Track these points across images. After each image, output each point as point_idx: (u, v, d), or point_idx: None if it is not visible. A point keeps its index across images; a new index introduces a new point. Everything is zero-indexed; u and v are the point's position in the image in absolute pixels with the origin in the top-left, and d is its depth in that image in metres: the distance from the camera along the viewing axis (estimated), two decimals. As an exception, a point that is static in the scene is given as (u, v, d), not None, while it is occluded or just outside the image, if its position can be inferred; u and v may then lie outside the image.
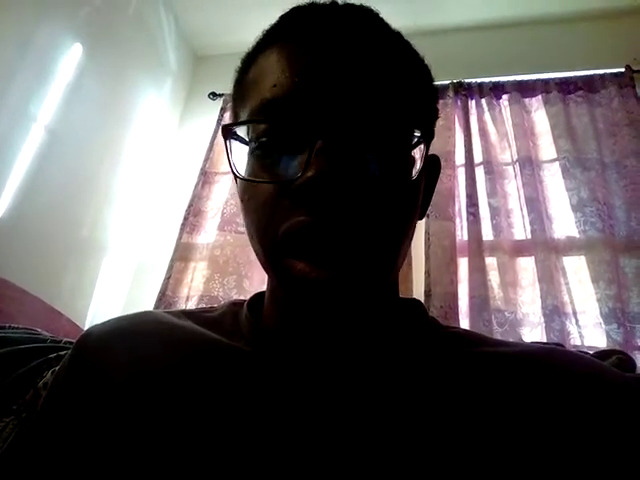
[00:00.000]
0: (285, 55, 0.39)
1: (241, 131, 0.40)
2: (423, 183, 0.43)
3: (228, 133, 0.40)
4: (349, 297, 0.36)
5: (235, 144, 0.40)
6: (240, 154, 0.41)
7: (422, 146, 0.38)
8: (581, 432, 0.33)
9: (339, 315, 0.39)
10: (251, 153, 0.40)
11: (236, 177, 0.40)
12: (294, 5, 0.43)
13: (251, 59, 0.44)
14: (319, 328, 0.41)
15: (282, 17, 0.43)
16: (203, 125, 2.11)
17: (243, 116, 0.42)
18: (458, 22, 2.09)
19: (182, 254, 1.77)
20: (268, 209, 0.37)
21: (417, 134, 0.38)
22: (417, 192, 0.40)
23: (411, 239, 0.42)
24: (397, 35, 0.44)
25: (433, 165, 0.48)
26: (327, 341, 0.41)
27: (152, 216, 2.02)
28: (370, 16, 0.43)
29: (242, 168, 0.41)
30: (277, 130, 0.38)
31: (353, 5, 0.43)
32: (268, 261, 0.38)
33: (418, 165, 0.37)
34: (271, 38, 0.42)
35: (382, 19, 0.44)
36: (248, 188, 0.40)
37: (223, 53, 2.22)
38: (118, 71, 1.84)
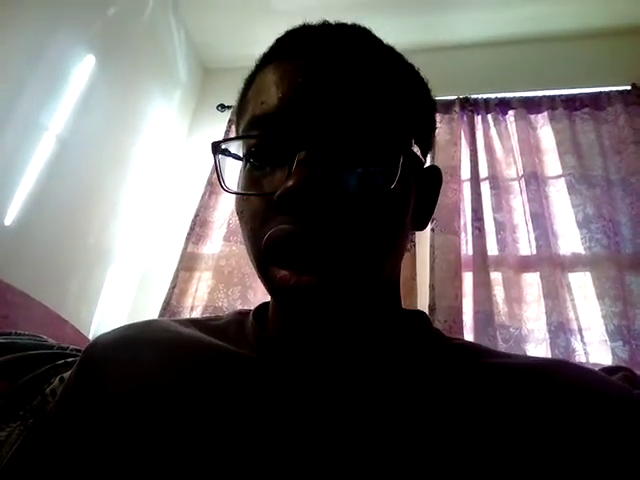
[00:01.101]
0: (275, 73, 0.41)
1: (235, 147, 0.42)
2: (412, 192, 0.42)
3: (217, 149, 0.41)
4: (329, 302, 0.37)
5: (230, 160, 0.42)
6: (236, 169, 0.43)
7: (403, 155, 0.38)
8: (586, 446, 0.33)
9: (322, 320, 0.40)
10: (243, 167, 0.42)
11: (225, 191, 0.41)
12: (299, 21, 0.45)
13: (250, 79, 0.46)
14: (312, 334, 0.42)
15: (278, 38, 0.45)
16: (211, 136, 2.11)
17: (239, 132, 0.44)
18: (465, 38, 2.11)
19: (187, 264, 1.78)
20: (257, 220, 0.39)
21: (402, 144, 0.39)
22: (400, 200, 0.40)
23: (400, 246, 0.42)
24: (388, 50, 0.45)
25: (433, 176, 0.48)
26: (326, 348, 0.42)
27: (158, 225, 2.03)
28: (362, 34, 0.44)
29: (235, 182, 0.43)
30: (265, 144, 0.40)
31: (345, 25, 0.44)
32: (258, 270, 0.40)
33: (398, 174, 0.37)
34: (266, 59, 0.44)
35: (374, 36, 0.45)
36: (241, 202, 0.41)
37: (232, 66, 2.24)
38: (129, 82, 1.87)
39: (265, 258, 0.38)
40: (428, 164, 0.49)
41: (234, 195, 0.43)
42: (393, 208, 0.39)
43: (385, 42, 0.46)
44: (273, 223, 0.37)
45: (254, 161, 0.40)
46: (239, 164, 0.43)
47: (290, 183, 0.35)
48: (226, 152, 0.42)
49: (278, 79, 0.40)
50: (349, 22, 0.45)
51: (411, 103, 0.43)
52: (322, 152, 0.36)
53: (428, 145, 0.47)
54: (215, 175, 1.94)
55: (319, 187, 0.35)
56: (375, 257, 0.38)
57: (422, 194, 0.46)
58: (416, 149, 0.42)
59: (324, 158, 0.36)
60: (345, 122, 0.37)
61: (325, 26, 0.44)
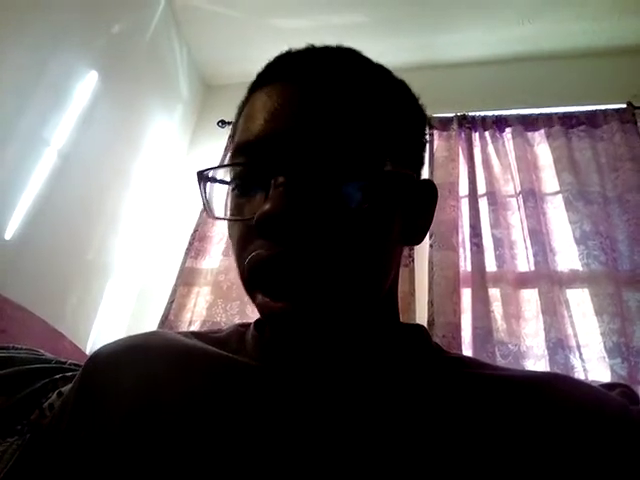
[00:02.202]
0: (261, 99, 0.42)
1: (222, 173, 0.44)
2: (395, 209, 0.42)
3: (202, 178, 0.43)
4: (303, 327, 0.38)
5: (217, 186, 0.43)
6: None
7: (379, 175, 0.39)
8: (580, 459, 0.33)
9: (300, 343, 0.42)
10: (230, 193, 0.43)
11: (211, 217, 0.43)
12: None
13: (241, 107, 0.47)
14: (299, 353, 0.43)
15: (266, 64, 0.46)
16: (211, 152, 2.14)
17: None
18: (463, 57, 2.14)
19: (186, 279, 1.78)
20: (241, 245, 0.40)
21: (377, 164, 0.39)
22: (378, 220, 0.40)
23: (386, 265, 0.42)
24: (372, 69, 0.46)
25: (426, 189, 0.48)
26: (323, 362, 0.42)
27: (157, 240, 2.04)
28: (347, 56, 0.45)
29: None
30: (248, 170, 0.41)
31: (329, 48, 0.45)
32: (247, 294, 0.41)
33: (371, 194, 0.38)
34: (255, 84, 0.45)
35: (358, 55, 0.46)
36: (230, 227, 0.42)
37: (233, 83, 2.27)
38: (131, 98, 1.89)
39: (247, 282, 0.39)
40: (426, 178, 0.49)
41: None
42: (370, 228, 0.39)
43: (374, 60, 0.47)
44: (253, 248, 0.38)
45: (238, 187, 0.41)
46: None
47: (266, 208, 0.35)
48: (213, 179, 0.43)
49: (261, 106, 0.41)
50: (336, 43, 0.45)
51: (395, 122, 0.43)
52: (299, 176, 0.37)
53: (419, 160, 0.48)
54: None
55: (294, 211, 0.35)
56: (354, 278, 0.38)
57: (414, 209, 0.45)
58: (400, 166, 0.42)
59: (301, 182, 0.37)
60: (321, 146, 0.38)
61: (309, 51, 0.45)
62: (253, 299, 0.39)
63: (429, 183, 0.49)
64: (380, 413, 0.37)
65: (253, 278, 0.38)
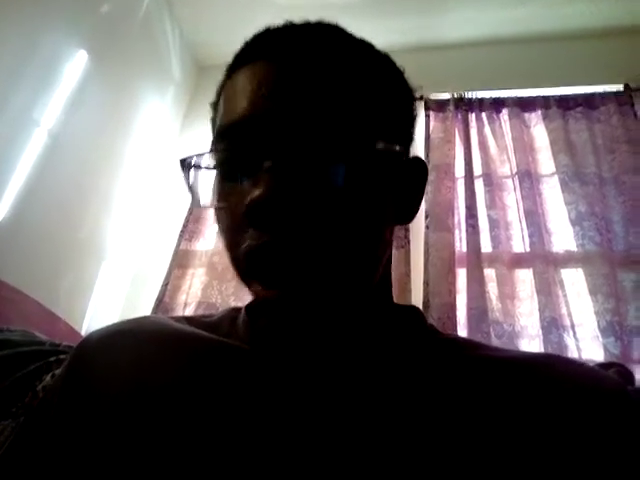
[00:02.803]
0: (239, 81, 0.41)
1: (207, 159, 0.42)
2: (387, 188, 0.41)
3: (185, 165, 0.41)
4: (298, 313, 0.38)
5: (203, 172, 0.42)
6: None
7: (366, 153, 0.38)
8: (578, 439, 0.33)
9: (295, 328, 0.41)
10: (215, 179, 0.41)
11: (195, 206, 0.41)
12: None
13: (220, 89, 0.45)
14: (293, 337, 0.42)
15: (245, 42, 0.44)
16: (203, 133, 2.11)
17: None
18: (459, 37, 2.11)
19: (180, 260, 1.77)
20: (230, 232, 0.39)
21: (365, 142, 0.38)
22: (368, 200, 0.39)
23: (378, 245, 0.41)
24: (355, 45, 0.44)
25: (417, 167, 0.47)
26: (316, 344, 0.42)
27: (151, 222, 2.02)
28: (328, 31, 0.44)
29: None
30: (232, 155, 0.39)
31: (309, 24, 0.43)
32: (240, 280, 0.41)
33: (358, 174, 0.37)
34: (234, 64, 0.44)
35: (340, 32, 0.44)
36: (216, 214, 0.42)
37: (226, 64, 2.23)
38: (122, 78, 1.85)
39: (240, 269, 0.39)
40: (416, 155, 0.48)
41: None
42: (361, 209, 0.38)
43: (356, 36, 0.45)
44: (244, 236, 0.37)
45: (223, 172, 0.40)
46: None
47: (255, 194, 0.34)
48: (198, 166, 0.42)
49: (241, 87, 0.40)
50: (316, 19, 0.44)
51: (380, 97, 0.42)
52: (286, 160, 0.36)
53: (408, 136, 0.47)
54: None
55: (284, 197, 0.35)
56: (347, 261, 0.38)
57: (404, 187, 0.45)
58: (388, 144, 0.40)
59: (289, 166, 0.36)
60: (307, 127, 0.37)
61: (288, 27, 0.43)
62: (248, 287, 0.39)
63: (419, 160, 0.48)
64: (375, 397, 0.37)
65: (249, 268, 0.37)
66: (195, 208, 0.40)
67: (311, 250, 0.36)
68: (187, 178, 0.41)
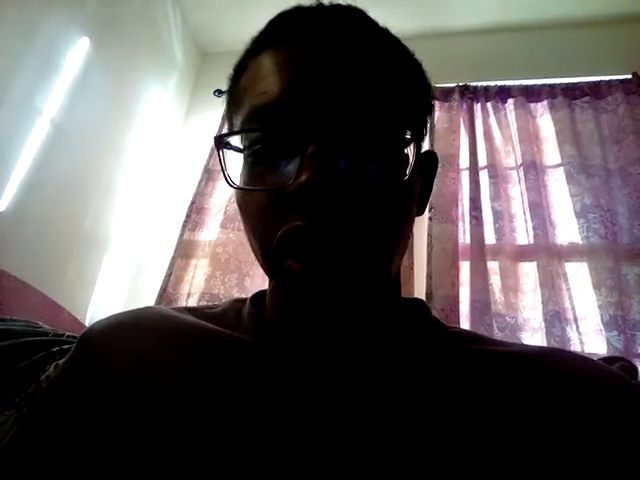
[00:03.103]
0: (274, 61, 0.40)
1: (234, 139, 0.41)
2: (418, 180, 0.42)
3: (221, 143, 0.40)
4: (345, 296, 0.36)
5: (229, 152, 0.41)
6: (235, 161, 0.41)
7: (414, 144, 0.38)
8: (581, 432, 0.33)
9: (337, 313, 0.40)
10: (245, 161, 0.40)
11: (231, 186, 0.40)
12: (299, 2, 0.44)
13: (242, 66, 0.44)
14: (320, 324, 0.42)
15: (270, 22, 0.43)
16: (208, 122, 2.11)
17: (236, 124, 0.42)
18: (465, 25, 2.08)
19: (184, 251, 1.77)
20: (265, 215, 0.38)
21: (409, 133, 0.38)
22: (411, 191, 0.40)
23: (409, 236, 0.42)
24: (386, 33, 0.44)
25: (430, 160, 0.48)
26: (328, 335, 0.41)
27: (154, 212, 2.02)
28: (358, 17, 0.43)
29: (237, 175, 0.41)
30: (270, 137, 0.38)
31: (340, 6, 0.43)
32: (267, 265, 0.39)
33: (411, 164, 0.37)
34: (260, 44, 0.42)
35: (370, 18, 0.44)
36: (245, 196, 0.40)
37: (229, 50, 2.20)
38: (124, 65, 1.84)
39: (278, 253, 0.37)
40: (428, 149, 0.48)
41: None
42: (404, 199, 0.38)
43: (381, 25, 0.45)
44: (284, 219, 0.36)
45: (257, 154, 0.39)
46: (237, 156, 0.42)
47: (302, 179, 0.34)
48: (228, 145, 0.41)
49: (276, 67, 0.39)
50: (343, 2, 0.43)
51: (411, 88, 0.42)
52: (332, 145, 0.35)
53: (426, 130, 0.47)
54: (212, 161, 1.93)
55: (332, 182, 0.34)
56: (386, 250, 0.38)
57: (423, 179, 0.45)
58: (417, 134, 0.41)
59: (334, 151, 0.35)
60: (352, 112, 0.36)
61: (320, 8, 0.42)
62: (282, 269, 0.37)
63: (432, 153, 0.48)
64: (380, 393, 0.36)
65: (287, 248, 0.36)
66: (233, 188, 0.39)
67: (356, 237, 0.35)
68: (223, 157, 0.40)
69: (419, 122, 0.42)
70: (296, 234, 0.35)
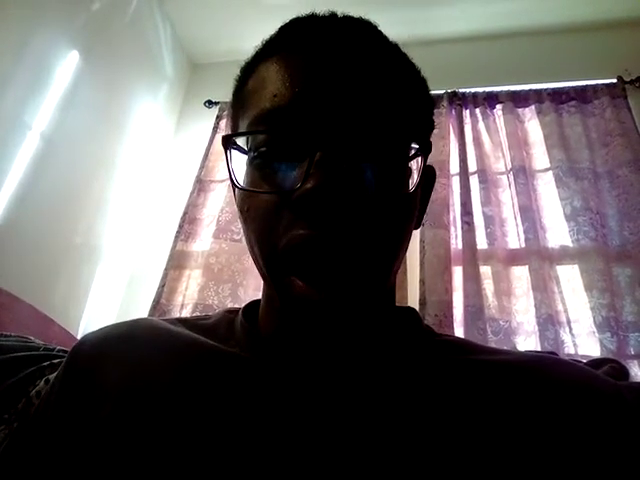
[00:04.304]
0: (285, 66, 0.40)
1: (240, 141, 0.40)
2: (419, 194, 0.43)
3: (228, 143, 0.40)
4: (346, 316, 0.36)
5: (234, 153, 0.40)
6: (238, 164, 0.41)
7: (419, 158, 0.38)
8: (572, 441, 0.33)
9: (336, 331, 0.40)
10: (250, 163, 0.40)
11: (236, 187, 0.39)
12: (291, 16, 0.44)
13: (250, 69, 0.44)
14: (316, 339, 0.41)
15: (282, 28, 0.43)
16: (199, 133, 2.11)
17: (242, 125, 0.42)
18: (453, 32, 2.11)
19: (176, 262, 1.76)
20: (268, 220, 0.37)
21: (415, 146, 0.38)
22: (414, 204, 0.40)
23: (407, 248, 0.42)
24: (395, 47, 0.45)
25: (428, 175, 0.48)
26: (323, 349, 0.41)
27: (146, 224, 2.01)
28: (369, 29, 0.43)
29: (241, 178, 0.41)
30: (277, 140, 0.38)
31: (352, 17, 0.43)
32: (268, 274, 0.39)
33: (415, 178, 0.37)
34: (271, 48, 0.42)
35: (380, 31, 0.44)
36: (248, 198, 0.39)
37: (219, 61, 2.23)
38: (114, 78, 1.84)
39: (281, 263, 0.36)
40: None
41: (232, 191, 0.41)
42: (407, 212, 0.39)
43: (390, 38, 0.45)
44: (288, 224, 0.36)
45: (263, 157, 0.38)
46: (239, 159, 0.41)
47: (308, 185, 0.34)
48: (235, 146, 0.40)
49: (287, 72, 0.39)
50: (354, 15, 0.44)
51: (418, 103, 0.43)
52: (339, 152, 0.35)
53: (429, 146, 0.47)
54: (203, 172, 1.93)
55: (338, 191, 0.34)
56: (387, 263, 0.38)
57: (422, 193, 0.46)
58: (423, 146, 0.41)
59: (341, 159, 0.35)
60: (362, 122, 0.36)
61: (333, 18, 0.43)
62: (282, 283, 0.37)
63: (430, 168, 0.49)
64: (373, 405, 0.36)
65: (292, 260, 0.36)
66: (238, 189, 0.39)
67: (359, 248, 0.35)
68: (230, 158, 0.39)
69: (424, 136, 0.43)
70: (300, 244, 0.35)
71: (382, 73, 0.39)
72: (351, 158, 0.36)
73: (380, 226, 0.36)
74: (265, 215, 0.37)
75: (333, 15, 0.43)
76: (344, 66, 0.38)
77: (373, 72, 0.39)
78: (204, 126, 2.08)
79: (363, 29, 0.43)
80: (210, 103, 2.17)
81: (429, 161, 0.47)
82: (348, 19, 0.43)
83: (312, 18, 0.43)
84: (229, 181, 0.40)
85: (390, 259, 0.38)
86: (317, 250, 0.34)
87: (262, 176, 0.38)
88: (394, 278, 0.43)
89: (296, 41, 0.41)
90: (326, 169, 0.34)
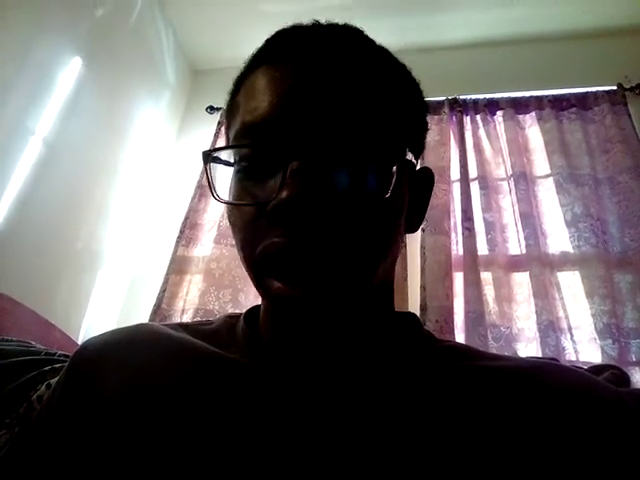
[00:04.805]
0: (265, 78, 0.40)
1: (226, 154, 0.42)
2: (406, 197, 0.42)
3: (208, 158, 0.41)
4: (324, 313, 0.37)
5: (220, 167, 0.41)
6: (227, 176, 0.42)
7: (400, 163, 0.38)
8: (572, 447, 0.33)
9: (317, 329, 0.40)
10: (234, 175, 0.41)
11: (217, 200, 0.40)
12: (288, 22, 0.44)
13: (239, 82, 0.45)
14: (304, 340, 0.42)
15: (267, 40, 0.44)
16: (200, 138, 2.12)
17: (230, 138, 0.43)
18: (454, 39, 2.12)
19: (177, 267, 1.77)
20: (249, 229, 0.38)
21: (395, 151, 0.38)
22: (395, 208, 0.40)
23: (394, 252, 0.42)
24: (380, 52, 0.45)
25: (425, 177, 0.48)
26: (318, 352, 0.41)
27: (148, 229, 2.02)
28: (354, 36, 0.44)
29: (227, 189, 0.42)
30: (256, 153, 0.39)
31: (337, 25, 0.43)
32: (252, 278, 0.40)
33: (392, 182, 0.37)
34: (256, 61, 0.43)
35: (366, 37, 0.44)
36: (232, 210, 0.41)
37: (221, 67, 2.24)
38: (116, 84, 1.85)
39: (259, 267, 0.38)
40: (425, 166, 0.48)
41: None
42: (386, 217, 0.39)
43: (378, 43, 0.45)
44: (265, 234, 0.37)
45: (245, 169, 0.39)
46: (230, 170, 0.42)
47: (283, 195, 0.34)
48: (217, 160, 0.41)
49: (268, 85, 0.39)
50: (340, 22, 0.44)
51: (404, 107, 0.43)
52: (314, 162, 0.36)
53: (421, 147, 0.47)
54: (205, 178, 1.93)
55: (311, 199, 0.34)
56: (367, 266, 0.38)
57: (415, 197, 0.45)
58: (409, 154, 0.41)
59: (317, 168, 0.36)
60: (337, 130, 0.37)
61: (316, 27, 0.43)
62: (263, 285, 0.38)
63: (427, 170, 0.48)
64: (373, 411, 0.36)
65: (267, 265, 0.37)
66: (218, 202, 0.40)
67: (336, 253, 0.36)
68: (209, 171, 0.40)
69: (410, 139, 0.42)
70: (275, 251, 0.36)
71: (359, 80, 0.39)
72: (326, 166, 0.36)
73: (354, 231, 0.36)
74: (246, 225, 0.39)
75: (316, 25, 0.43)
76: (321, 75, 0.38)
77: (350, 79, 0.39)
78: (206, 132, 2.08)
79: (346, 36, 0.43)
80: (212, 109, 2.18)
81: (430, 166, 0.47)
82: (331, 27, 0.43)
83: (295, 29, 0.43)
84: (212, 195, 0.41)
85: (367, 262, 0.38)
86: (291, 255, 0.35)
87: (243, 188, 0.39)
88: (382, 280, 0.42)
89: (277, 53, 0.41)
90: (301, 178, 0.35)
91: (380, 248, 0.39)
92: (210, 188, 0.40)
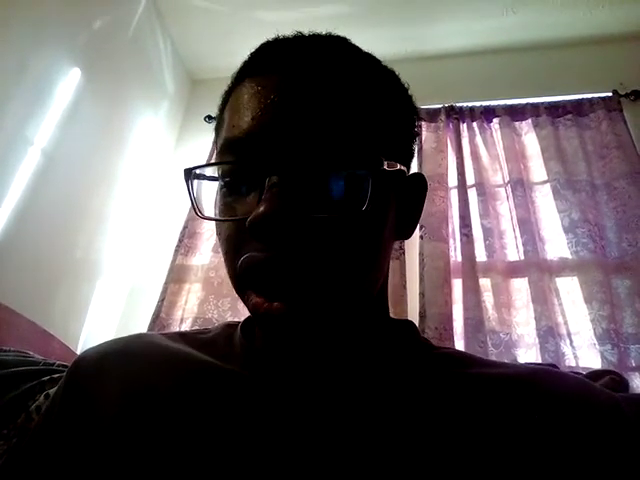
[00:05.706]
0: (246, 93, 0.40)
1: (211, 169, 0.42)
2: (392, 207, 0.41)
3: (190, 175, 0.41)
4: (299, 327, 0.37)
5: (206, 183, 0.42)
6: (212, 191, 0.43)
7: (376, 175, 0.37)
8: (569, 454, 0.33)
9: (300, 342, 0.40)
10: (219, 190, 0.41)
11: (199, 217, 0.41)
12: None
13: (226, 96, 0.45)
14: (292, 352, 0.42)
15: (251, 53, 0.44)
16: (198, 148, 2.13)
17: (216, 152, 0.43)
18: (450, 48, 2.14)
19: (176, 276, 1.76)
20: (232, 244, 0.39)
21: (373, 164, 0.37)
22: (375, 220, 0.39)
23: (379, 262, 0.41)
24: (365, 60, 0.44)
25: (417, 184, 0.47)
26: (312, 363, 0.41)
27: (146, 238, 2.02)
28: (337, 45, 0.43)
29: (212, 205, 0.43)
30: (238, 168, 0.39)
31: (320, 36, 0.43)
32: (236, 291, 0.40)
33: (368, 194, 0.36)
34: (241, 74, 0.43)
35: (350, 45, 0.44)
36: (217, 225, 0.41)
37: (219, 77, 2.24)
38: (115, 94, 1.86)
39: (241, 282, 0.38)
40: (415, 171, 0.48)
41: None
42: (366, 229, 0.38)
43: (364, 50, 0.45)
44: (246, 248, 0.37)
45: (228, 185, 0.40)
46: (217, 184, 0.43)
47: (260, 210, 0.34)
48: (201, 176, 0.42)
49: (249, 100, 0.39)
50: (324, 32, 0.44)
51: (387, 114, 0.42)
52: (293, 176, 0.36)
53: (410, 153, 0.47)
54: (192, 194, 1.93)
55: (289, 214, 0.34)
56: (348, 279, 0.37)
57: (405, 204, 0.45)
58: (393, 162, 0.39)
59: (295, 182, 0.36)
60: (315, 144, 0.36)
61: (298, 38, 0.43)
62: (245, 299, 0.38)
63: (419, 176, 0.48)
64: (370, 420, 0.36)
65: (246, 278, 0.37)
66: (200, 218, 0.40)
67: (315, 267, 0.36)
68: (190, 188, 0.41)
69: (395, 146, 0.42)
70: (253, 265, 0.36)
71: (338, 92, 0.39)
72: (305, 180, 0.36)
73: (332, 244, 0.36)
74: (229, 240, 0.39)
75: (299, 36, 0.43)
76: (300, 87, 0.38)
77: (328, 92, 0.38)
78: (204, 141, 2.09)
79: (328, 46, 0.42)
80: (210, 118, 2.19)
81: (427, 173, 0.47)
82: (314, 38, 0.43)
83: (277, 41, 0.43)
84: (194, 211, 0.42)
85: (349, 273, 0.37)
86: (268, 269, 0.35)
87: (227, 203, 0.40)
88: (370, 289, 0.41)
89: (259, 66, 0.41)
90: (279, 192, 0.35)
91: (361, 260, 0.38)
92: (192, 204, 0.41)
